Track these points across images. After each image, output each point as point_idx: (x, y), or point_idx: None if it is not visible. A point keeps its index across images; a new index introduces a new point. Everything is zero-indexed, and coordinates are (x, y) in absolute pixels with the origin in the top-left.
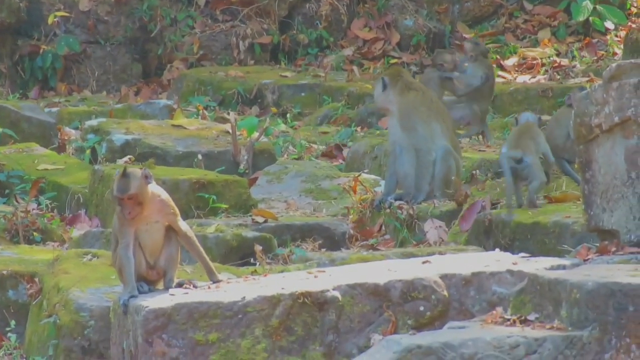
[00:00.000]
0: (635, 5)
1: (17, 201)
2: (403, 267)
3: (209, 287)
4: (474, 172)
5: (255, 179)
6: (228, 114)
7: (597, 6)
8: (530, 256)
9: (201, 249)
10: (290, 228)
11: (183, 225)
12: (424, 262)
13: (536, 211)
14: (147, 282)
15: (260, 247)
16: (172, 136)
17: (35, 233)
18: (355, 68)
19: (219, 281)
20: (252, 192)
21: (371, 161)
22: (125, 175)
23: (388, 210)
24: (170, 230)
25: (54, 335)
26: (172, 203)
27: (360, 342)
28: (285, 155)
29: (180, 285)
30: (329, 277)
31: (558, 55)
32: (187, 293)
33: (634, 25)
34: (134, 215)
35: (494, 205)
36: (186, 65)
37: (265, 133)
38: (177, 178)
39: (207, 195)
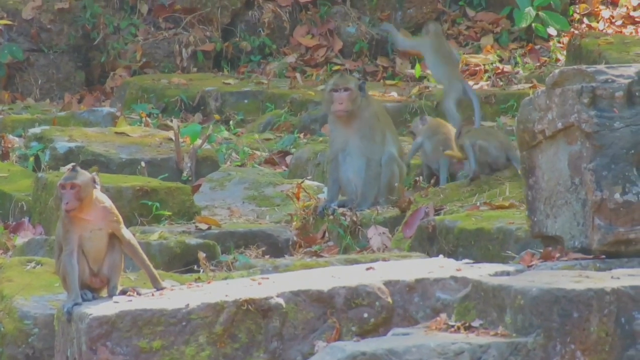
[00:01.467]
0: (577, 11)
1: None
2: (347, 274)
3: (152, 295)
4: (417, 178)
5: (199, 186)
6: (171, 121)
7: (540, 13)
8: (474, 262)
9: (144, 256)
10: (234, 235)
11: (126, 233)
12: (367, 269)
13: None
14: (91, 289)
15: (204, 254)
16: (116, 144)
17: None
18: (298, 75)
19: (163, 288)
20: (196, 199)
21: (314, 168)
22: (74, 169)
23: (331, 217)
24: (114, 238)
25: None
26: (116, 210)
27: (304, 349)
28: (229, 163)
29: (124, 292)
30: (273, 284)
31: (501, 61)
32: (130, 300)
33: (576, 32)
34: (71, 208)
35: (437, 212)
36: (129, 73)
37: (208, 140)
38: (120, 185)
39: (150, 203)
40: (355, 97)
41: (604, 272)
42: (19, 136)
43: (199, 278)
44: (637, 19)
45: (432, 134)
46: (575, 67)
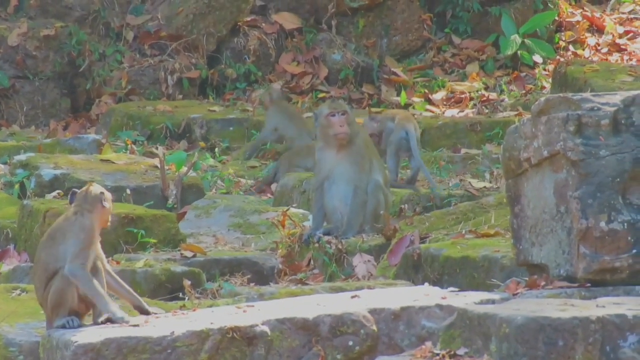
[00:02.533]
0: (563, 39)
1: None
2: (332, 302)
3: (146, 322)
4: (402, 206)
5: (184, 213)
6: (156, 148)
7: (526, 40)
8: (460, 290)
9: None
10: (219, 262)
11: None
12: (352, 297)
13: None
14: (77, 315)
15: (189, 282)
16: (101, 171)
17: None
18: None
19: (149, 313)
20: (181, 227)
21: (300, 195)
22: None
23: (317, 245)
24: (97, 262)
25: None
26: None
27: None
28: (214, 190)
29: (109, 319)
30: (258, 312)
31: (486, 89)
32: (115, 327)
33: (562, 59)
34: None
35: (422, 240)
36: (115, 99)
37: (194, 167)
38: None
39: (135, 230)
40: (352, 121)
41: (589, 300)
42: (5, 163)
43: (184, 306)
44: (622, 47)
45: None
46: (561, 94)
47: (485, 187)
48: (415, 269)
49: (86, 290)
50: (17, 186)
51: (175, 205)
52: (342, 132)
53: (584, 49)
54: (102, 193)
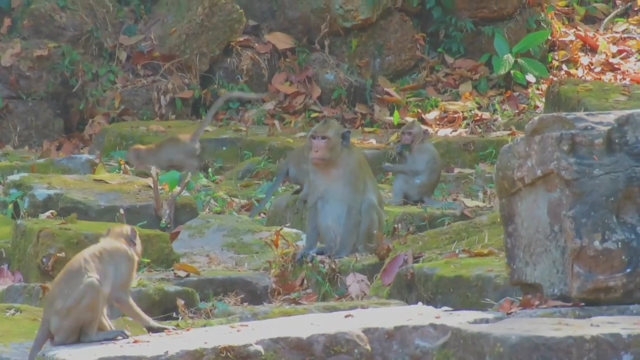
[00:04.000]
0: (556, 58)
1: None
2: (326, 321)
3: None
4: (396, 225)
5: (177, 233)
6: (149, 168)
7: (519, 60)
8: (453, 310)
9: None
10: (213, 282)
11: None
12: (346, 316)
13: None
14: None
15: (183, 302)
16: (94, 191)
17: None
18: (276, 122)
19: (158, 329)
20: (174, 247)
21: (293, 215)
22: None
23: (310, 264)
24: None
25: None
26: None
27: None
28: (207, 210)
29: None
30: (252, 331)
31: (479, 108)
32: (109, 346)
33: (555, 79)
34: None
35: (416, 259)
36: (108, 120)
37: (187, 187)
38: (99, 233)
39: None
40: (334, 146)
41: (583, 319)
42: None
43: (178, 325)
44: (616, 66)
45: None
46: (554, 114)
47: (478, 206)
48: (408, 289)
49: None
50: (10, 206)
51: (169, 225)
52: (316, 157)
53: (577, 69)
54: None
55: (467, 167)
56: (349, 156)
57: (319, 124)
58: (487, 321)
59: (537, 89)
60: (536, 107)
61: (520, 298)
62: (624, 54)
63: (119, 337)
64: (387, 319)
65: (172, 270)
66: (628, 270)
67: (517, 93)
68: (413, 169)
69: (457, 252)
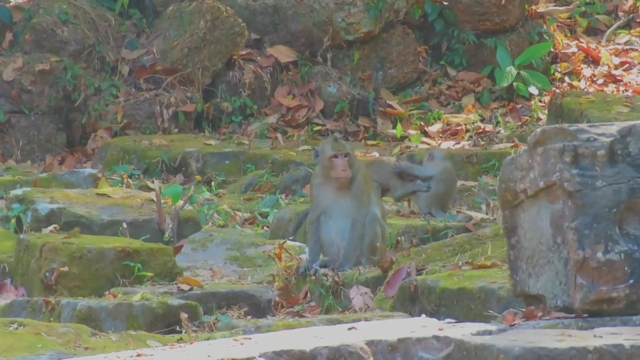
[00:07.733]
0: (559, 70)
1: None
2: (329, 334)
3: None
4: (399, 238)
5: (181, 247)
6: (152, 182)
7: (521, 72)
8: (457, 322)
9: None
10: (216, 295)
11: None
12: (349, 329)
13: None
14: None
15: (186, 315)
16: (97, 205)
17: None
18: (279, 135)
19: None
20: (178, 260)
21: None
22: None
23: (313, 277)
24: None
25: None
26: None
27: None
28: (210, 223)
29: None
30: (255, 344)
31: (482, 121)
32: None
33: (558, 91)
34: None
35: (419, 272)
36: (110, 134)
37: (190, 201)
38: (102, 247)
39: (132, 264)
40: (353, 162)
41: (586, 330)
42: (1, 198)
43: (181, 339)
44: (618, 78)
45: None
46: (556, 125)
47: (481, 218)
48: (412, 301)
49: None
50: (13, 220)
51: (172, 239)
52: (344, 177)
53: (579, 80)
54: None
55: (470, 179)
56: (357, 170)
57: (333, 142)
58: (490, 333)
59: (540, 101)
60: (539, 119)
61: (524, 310)
62: (627, 65)
63: None
64: (391, 331)
65: (176, 283)
66: (631, 281)
67: (520, 105)
68: (424, 174)
69: (460, 264)
